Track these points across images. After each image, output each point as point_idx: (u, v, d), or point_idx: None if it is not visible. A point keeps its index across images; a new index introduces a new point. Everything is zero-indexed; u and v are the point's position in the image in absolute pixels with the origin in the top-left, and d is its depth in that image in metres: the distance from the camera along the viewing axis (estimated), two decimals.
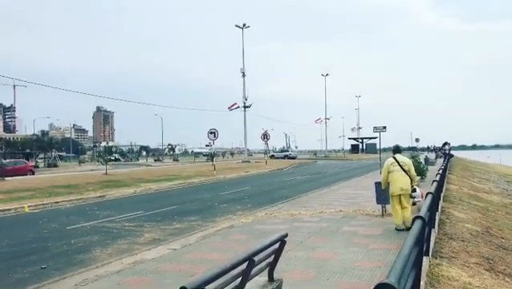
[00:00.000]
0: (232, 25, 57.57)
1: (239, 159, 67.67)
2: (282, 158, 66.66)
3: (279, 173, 36.03)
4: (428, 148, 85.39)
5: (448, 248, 7.58)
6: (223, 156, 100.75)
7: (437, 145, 70.33)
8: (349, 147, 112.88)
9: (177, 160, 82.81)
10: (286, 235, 4.54)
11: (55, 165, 61.94)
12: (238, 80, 59.10)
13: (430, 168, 24.76)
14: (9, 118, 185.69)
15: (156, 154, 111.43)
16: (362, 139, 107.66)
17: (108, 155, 48.56)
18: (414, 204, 9.53)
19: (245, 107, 58.09)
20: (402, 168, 9.31)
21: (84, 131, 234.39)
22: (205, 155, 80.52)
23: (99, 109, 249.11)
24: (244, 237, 9.11)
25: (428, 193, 6.08)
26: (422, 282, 4.69)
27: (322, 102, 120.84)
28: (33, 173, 37.62)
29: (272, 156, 72.91)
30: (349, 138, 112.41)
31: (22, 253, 8.79)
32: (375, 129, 28.26)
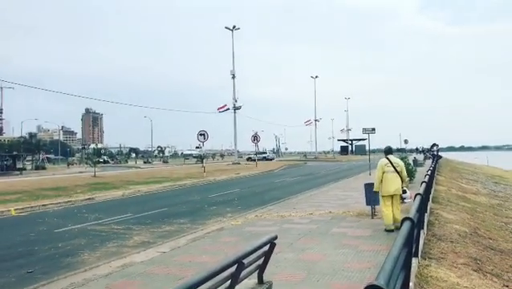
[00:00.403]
0: (222, 27, 57.67)
1: (229, 161, 67.56)
2: (260, 160, 66.19)
3: (269, 175, 36.04)
4: (416, 149, 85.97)
5: (436, 249, 7.62)
6: (213, 158, 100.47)
7: (426, 147, 70.90)
8: (338, 148, 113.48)
9: (167, 162, 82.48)
10: (276, 237, 4.52)
11: (43, 168, 61.30)
12: (228, 82, 59.09)
13: (419, 169, 24.94)
14: None
15: (146, 156, 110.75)
16: (351, 140, 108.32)
17: (97, 157, 48.21)
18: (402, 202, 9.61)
19: (235, 108, 58.07)
20: (395, 170, 9.38)
21: (73, 133, 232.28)
22: (194, 157, 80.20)
23: (87, 111, 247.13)
24: (234, 239, 9.08)
25: (416, 195, 6.11)
26: (411, 284, 4.71)
27: (311, 104, 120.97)
28: None
29: (249, 159, 72.66)
30: (338, 140, 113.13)
31: (9, 257, 8.66)
32: (365, 131, 28.38)
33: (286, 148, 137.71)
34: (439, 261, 6.88)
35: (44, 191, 21.38)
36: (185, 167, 51.67)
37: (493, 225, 12.81)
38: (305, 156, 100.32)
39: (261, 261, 4.41)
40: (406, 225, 3.62)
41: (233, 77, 58.42)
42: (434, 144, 53.24)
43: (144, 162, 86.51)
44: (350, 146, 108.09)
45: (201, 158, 46.15)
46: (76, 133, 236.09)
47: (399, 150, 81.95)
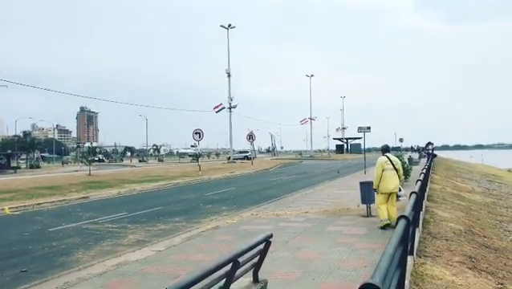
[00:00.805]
0: (218, 25, 57.53)
1: (225, 159, 67.51)
2: (241, 159, 65.84)
3: (265, 174, 36.04)
4: (411, 148, 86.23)
5: (432, 247, 7.64)
6: (208, 157, 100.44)
7: (421, 145, 71.10)
8: (334, 147, 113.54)
9: (162, 161, 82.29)
10: (271, 236, 4.51)
11: (38, 166, 60.99)
12: (224, 81, 58.98)
13: (414, 167, 25.02)
14: None
15: (141, 155, 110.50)
16: (347, 139, 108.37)
17: (92, 156, 48.01)
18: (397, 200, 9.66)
19: (230, 107, 58.00)
20: (394, 167, 9.43)
21: (68, 131, 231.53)
22: (190, 155, 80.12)
23: (82, 110, 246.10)
24: (229, 237, 9.06)
25: (412, 193, 6.11)
26: (406, 282, 4.71)
27: (307, 102, 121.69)
28: None
29: (229, 158, 72.25)
30: (334, 138, 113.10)
31: (2, 256, 8.59)
32: (360, 129, 28.44)
33: (282, 147, 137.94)
34: (434, 259, 6.89)
35: (38, 190, 21.27)
36: (181, 166, 51.58)
37: (488, 223, 12.87)
38: (300, 154, 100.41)
39: (256, 259, 4.40)
40: (401, 224, 3.62)
41: (229, 76, 58.37)
42: (429, 143, 53.37)
43: (140, 161, 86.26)
44: (345, 145, 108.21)
45: (196, 157, 46.08)
46: (71, 132, 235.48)
47: (394, 149, 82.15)
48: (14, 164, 52.98)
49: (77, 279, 6.46)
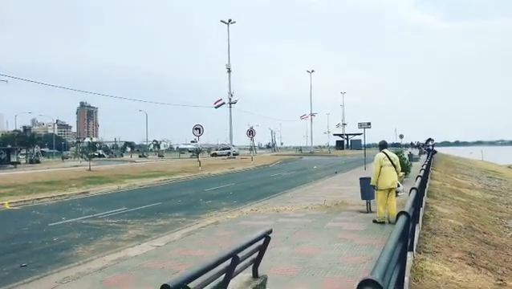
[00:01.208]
0: (218, 22, 57.37)
1: (216, 156, 67.49)
2: (225, 155, 65.20)
3: (265, 169, 36.04)
4: (411, 144, 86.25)
5: (431, 243, 7.64)
6: (208, 153, 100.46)
7: (421, 141, 71.09)
8: (334, 143, 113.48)
9: (162, 157, 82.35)
10: (271, 231, 4.50)
11: (38, 161, 60.99)
12: (225, 77, 58.88)
13: (414, 164, 25.03)
14: None
15: (141, 150, 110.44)
16: (347, 135, 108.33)
17: (92, 151, 48.03)
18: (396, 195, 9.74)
19: (230, 103, 57.95)
20: (392, 163, 9.47)
21: (68, 127, 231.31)
22: (190, 151, 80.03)
23: (82, 105, 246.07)
24: (229, 233, 9.06)
25: (412, 189, 6.10)
26: (406, 278, 4.71)
27: (307, 98, 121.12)
28: None
29: (214, 154, 72.05)
30: (334, 134, 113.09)
31: (2, 250, 8.60)
32: (360, 125, 28.37)
33: (282, 143, 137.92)
34: (434, 255, 6.89)
35: (38, 185, 21.28)
36: (181, 161, 51.58)
37: (488, 219, 12.87)
38: (300, 150, 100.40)
39: (255, 255, 4.40)
40: (401, 220, 3.61)
41: (229, 71, 58.29)
42: (429, 139, 53.42)
43: (140, 156, 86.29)
44: (345, 141, 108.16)
45: (196, 152, 46.07)
46: (71, 127, 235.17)
47: (394, 145, 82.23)
48: (13, 159, 52.99)
49: (77, 274, 6.46)
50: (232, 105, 58.14)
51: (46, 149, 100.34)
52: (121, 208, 13.90)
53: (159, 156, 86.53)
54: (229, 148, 73.70)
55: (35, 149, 70.87)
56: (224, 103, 57.53)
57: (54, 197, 17.45)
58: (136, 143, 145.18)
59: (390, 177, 9.43)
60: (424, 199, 11.81)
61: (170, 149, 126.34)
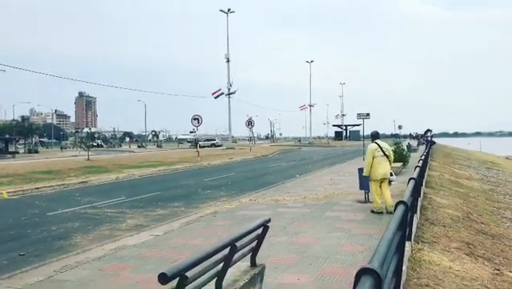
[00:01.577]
0: (217, 10, 57.01)
1: (224, 145, 67.49)
2: (208, 146, 64.77)
3: (264, 160, 36.06)
4: (410, 135, 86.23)
5: (429, 233, 7.66)
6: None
7: (420, 132, 71.07)
8: (333, 134, 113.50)
9: (161, 147, 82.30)
10: (269, 220, 4.50)
11: (36, 151, 60.88)
12: (224, 66, 58.66)
13: (412, 154, 25.01)
14: None
15: (140, 140, 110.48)
16: (346, 126, 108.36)
17: (91, 141, 48.02)
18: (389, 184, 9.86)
19: (229, 93, 57.80)
20: (384, 154, 9.47)
21: (66, 116, 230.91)
22: (189, 141, 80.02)
23: (81, 95, 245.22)
24: (227, 222, 9.07)
25: (410, 179, 6.10)
26: (404, 267, 4.72)
27: (307, 89, 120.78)
28: None
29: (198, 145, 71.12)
30: (333, 125, 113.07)
31: (0, 240, 8.60)
32: (359, 116, 28.33)
33: (281, 134, 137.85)
34: (432, 245, 6.91)
35: (37, 174, 21.26)
36: (179, 151, 51.57)
37: (485, 210, 12.91)
38: (299, 141, 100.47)
39: (254, 244, 4.39)
40: (400, 209, 3.60)
41: (228, 61, 58.09)
42: (428, 130, 53.43)
43: (138, 146, 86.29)
44: (344, 132, 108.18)
45: (195, 143, 46.04)
46: (69, 117, 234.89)
47: (393, 136, 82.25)
48: (12, 148, 52.85)
49: (75, 263, 6.47)
50: (231, 95, 58.01)
51: (45, 139, 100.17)
52: (120, 197, 13.90)
53: (157, 146, 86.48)
54: (213, 140, 73.60)
55: (34, 139, 70.85)
56: (223, 93, 57.41)
57: (52, 186, 17.44)
58: (135, 133, 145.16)
59: (382, 168, 9.48)
60: (423, 189, 11.83)
61: (169, 139, 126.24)
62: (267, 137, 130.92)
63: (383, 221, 8.39)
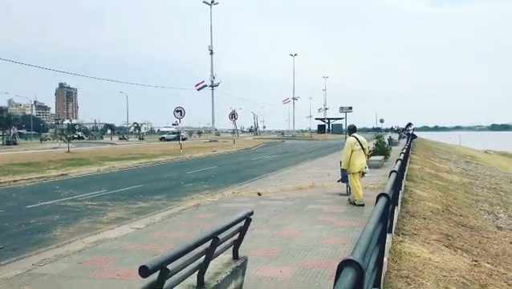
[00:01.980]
0: (200, 2, 56.44)
1: (206, 138, 67.30)
2: (172, 140, 64.37)
3: (247, 153, 36.04)
4: (392, 128, 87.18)
5: (410, 225, 7.76)
6: (190, 136, 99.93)
7: (401, 126, 71.87)
8: (316, 127, 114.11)
9: (143, 139, 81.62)
10: (252, 213, 4.49)
11: (15, 143, 59.81)
12: (207, 58, 58.21)
13: (394, 148, 25.33)
14: None
15: (122, 133, 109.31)
16: (328, 119, 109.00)
17: (71, 133, 47.26)
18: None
19: (212, 85, 57.47)
20: (362, 147, 9.70)
21: (46, 108, 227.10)
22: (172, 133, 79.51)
23: (61, 86, 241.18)
24: (210, 215, 9.04)
25: (392, 172, 6.15)
26: (385, 259, 4.77)
27: (290, 82, 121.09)
28: None
29: (163, 139, 71.12)
30: (316, 118, 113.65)
31: None
32: (342, 109, 28.59)
33: (265, 127, 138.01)
34: (412, 237, 7.00)
35: (15, 166, 20.84)
36: (162, 144, 51.18)
37: (464, 202, 13.15)
38: (282, 134, 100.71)
39: (236, 236, 4.38)
40: (382, 202, 3.62)
41: (211, 53, 57.65)
42: (409, 124, 53.97)
43: (120, 138, 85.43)
44: (327, 125, 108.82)
45: (178, 135, 45.72)
46: (50, 108, 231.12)
47: (375, 129, 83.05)
48: None
49: (55, 256, 6.36)
50: (214, 88, 57.69)
51: (24, 131, 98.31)
52: (101, 190, 13.74)
53: (140, 138, 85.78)
54: (178, 132, 73.21)
55: (12, 130, 69.41)
56: (206, 85, 57.00)
57: (31, 179, 17.13)
58: (117, 125, 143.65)
59: (360, 161, 9.66)
60: (404, 182, 11.98)
61: (151, 132, 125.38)
62: (251, 130, 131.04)
63: (364, 213, 8.47)
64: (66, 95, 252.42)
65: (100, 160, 25.13)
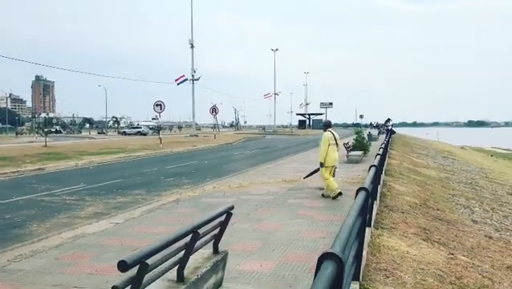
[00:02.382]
0: None
1: (187, 133, 66.87)
2: (134, 134, 65.17)
3: (228, 148, 35.97)
4: (371, 124, 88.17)
5: (388, 219, 7.87)
6: (170, 130, 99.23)
7: (380, 122, 72.74)
8: (297, 122, 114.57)
9: (125, 134, 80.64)
10: (233, 207, 4.47)
11: None
12: (188, 52, 57.73)
13: (373, 143, 25.60)
14: None
15: (100, 127, 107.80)
16: (309, 115, 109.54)
17: (48, 126, 46.36)
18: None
19: (193, 79, 57.07)
20: (336, 142, 10.05)
21: (22, 101, 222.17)
22: (151, 128, 78.79)
23: (38, 78, 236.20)
24: (190, 210, 8.99)
25: (371, 166, 6.22)
26: (364, 252, 4.82)
27: (271, 77, 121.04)
28: None
29: (124, 133, 72.52)
30: (297, 114, 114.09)
31: None
32: (322, 105, 28.91)
33: (246, 122, 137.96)
34: (391, 231, 7.10)
35: None
36: (141, 138, 50.67)
37: (441, 197, 13.39)
38: (264, 129, 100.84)
39: (216, 231, 4.36)
40: (361, 195, 3.66)
41: (192, 47, 57.20)
42: (388, 120, 54.70)
43: (98, 133, 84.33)
44: (308, 120, 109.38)
45: (157, 130, 45.30)
46: (26, 101, 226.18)
47: (355, 125, 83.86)
48: None
49: (31, 252, 6.24)
50: (195, 82, 57.30)
51: None
52: (79, 185, 13.52)
53: (118, 132, 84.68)
54: (139, 127, 74.13)
55: None
56: (186, 79, 56.55)
57: (6, 173, 16.75)
58: (95, 119, 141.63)
59: (335, 155, 10.02)
60: (382, 177, 12.13)
61: (130, 126, 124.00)
62: (232, 125, 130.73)
63: (344, 207, 8.54)
64: (42, 88, 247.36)
65: (79, 154, 24.74)
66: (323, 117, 59.11)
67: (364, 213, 4.00)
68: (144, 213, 8.95)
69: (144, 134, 65.78)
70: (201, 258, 4.20)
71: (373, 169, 5.89)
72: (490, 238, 9.31)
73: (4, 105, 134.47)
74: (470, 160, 32.32)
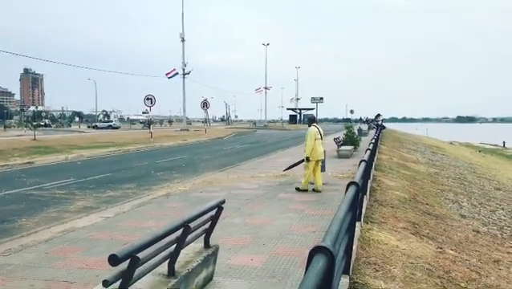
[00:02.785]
0: None
1: (178, 127, 66.59)
2: (105, 128, 66.40)
3: (218, 142, 35.92)
4: (361, 119, 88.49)
5: (378, 214, 7.93)
6: (161, 124, 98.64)
7: (370, 117, 73.05)
8: (288, 117, 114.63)
9: (117, 128, 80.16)
10: (224, 202, 4.48)
11: None
12: (179, 46, 57.32)
13: (363, 138, 25.76)
14: None
15: (90, 120, 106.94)
16: (300, 110, 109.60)
17: (38, 120, 45.88)
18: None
19: (184, 73, 56.74)
20: (321, 137, 10.33)
21: (10, 94, 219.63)
22: (141, 122, 78.39)
23: (27, 71, 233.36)
24: (181, 204, 8.98)
25: (361, 161, 6.26)
26: (354, 246, 4.85)
27: (262, 72, 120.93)
28: None
29: (95, 127, 73.83)
30: (288, 108, 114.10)
31: None
32: (313, 100, 28.90)
33: (236, 116, 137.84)
34: (380, 225, 7.16)
35: None
36: (132, 132, 50.40)
37: (430, 192, 13.51)
38: (255, 124, 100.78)
39: (207, 225, 4.37)
40: (351, 190, 3.68)
41: (183, 40, 56.81)
42: (378, 115, 54.97)
43: (88, 126, 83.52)
44: (298, 115, 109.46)
45: (147, 123, 45.05)
46: (14, 94, 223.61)
47: (345, 120, 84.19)
48: None
49: (20, 246, 6.19)
50: (186, 76, 56.98)
51: None
52: (69, 179, 13.43)
53: (88, 126, 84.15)
54: (110, 121, 75.11)
55: None
56: (177, 73, 56.19)
57: None
58: (85, 113, 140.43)
59: (320, 150, 10.25)
60: (372, 172, 12.20)
61: (121, 120, 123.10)
62: (223, 119, 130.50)
63: (334, 202, 8.59)
64: (31, 81, 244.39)
65: (68, 148, 24.54)
66: (313, 112, 59.37)
67: (354, 207, 4.02)
68: (135, 208, 8.93)
69: (116, 128, 66.36)
70: (192, 252, 4.21)
71: (363, 164, 5.93)
72: (478, 232, 9.43)
73: None
74: (459, 156, 32.63)
